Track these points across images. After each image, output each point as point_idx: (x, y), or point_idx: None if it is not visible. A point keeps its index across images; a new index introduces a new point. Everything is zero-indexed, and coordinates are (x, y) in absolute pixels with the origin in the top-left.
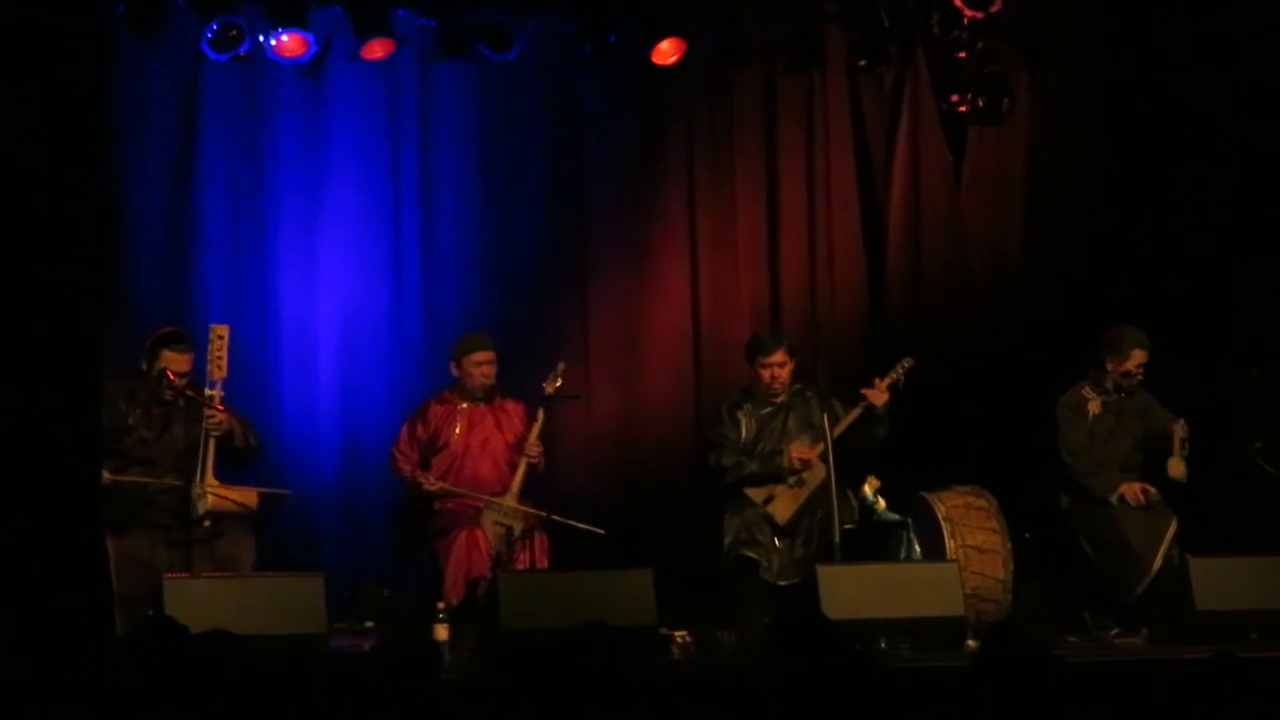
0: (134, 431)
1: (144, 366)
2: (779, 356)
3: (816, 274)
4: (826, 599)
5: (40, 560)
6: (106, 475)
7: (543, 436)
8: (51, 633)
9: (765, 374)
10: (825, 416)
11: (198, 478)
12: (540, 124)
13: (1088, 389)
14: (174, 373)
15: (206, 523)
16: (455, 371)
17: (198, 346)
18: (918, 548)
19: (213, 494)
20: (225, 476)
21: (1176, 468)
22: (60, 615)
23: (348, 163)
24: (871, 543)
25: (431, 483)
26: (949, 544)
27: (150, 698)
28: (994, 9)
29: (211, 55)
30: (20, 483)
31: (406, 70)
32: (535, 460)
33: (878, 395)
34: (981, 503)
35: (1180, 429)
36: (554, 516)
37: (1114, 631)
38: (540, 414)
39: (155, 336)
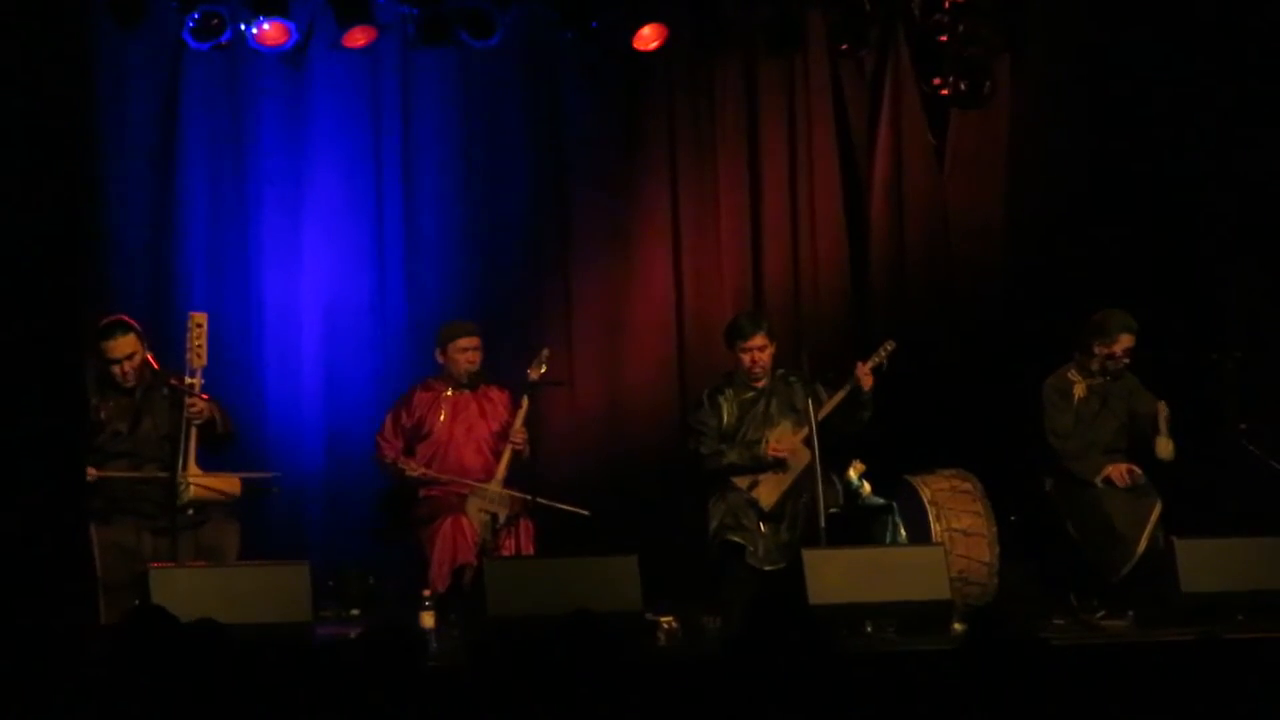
0: (107, 426)
1: (95, 362)
2: (758, 340)
3: (799, 257)
4: (812, 583)
5: (25, 549)
6: (92, 471)
7: (527, 423)
8: (37, 620)
9: (745, 358)
10: (809, 401)
11: (180, 467)
12: (522, 110)
13: (1073, 371)
14: (121, 358)
15: (190, 511)
16: (440, 358)
17: (136, 329)
18: (903, 531)
19: (196, 483)
20: (208, 464)
21: (1165, 447)
22: (45, 603)
23: (330, 150)
24: (857, 527)
25: (413, 468)
26: (934, 527)
27: (139, 687)
28: None
29: (193, 44)
30: (4, 474)
31: (388, 58)
32: (520, 447)
33: (861, 379)
34: (967, 486)
35: (1164, 409)
36: (538, 500)
37: (1100, 614)
38: (524, 400)
39: (93, 331)
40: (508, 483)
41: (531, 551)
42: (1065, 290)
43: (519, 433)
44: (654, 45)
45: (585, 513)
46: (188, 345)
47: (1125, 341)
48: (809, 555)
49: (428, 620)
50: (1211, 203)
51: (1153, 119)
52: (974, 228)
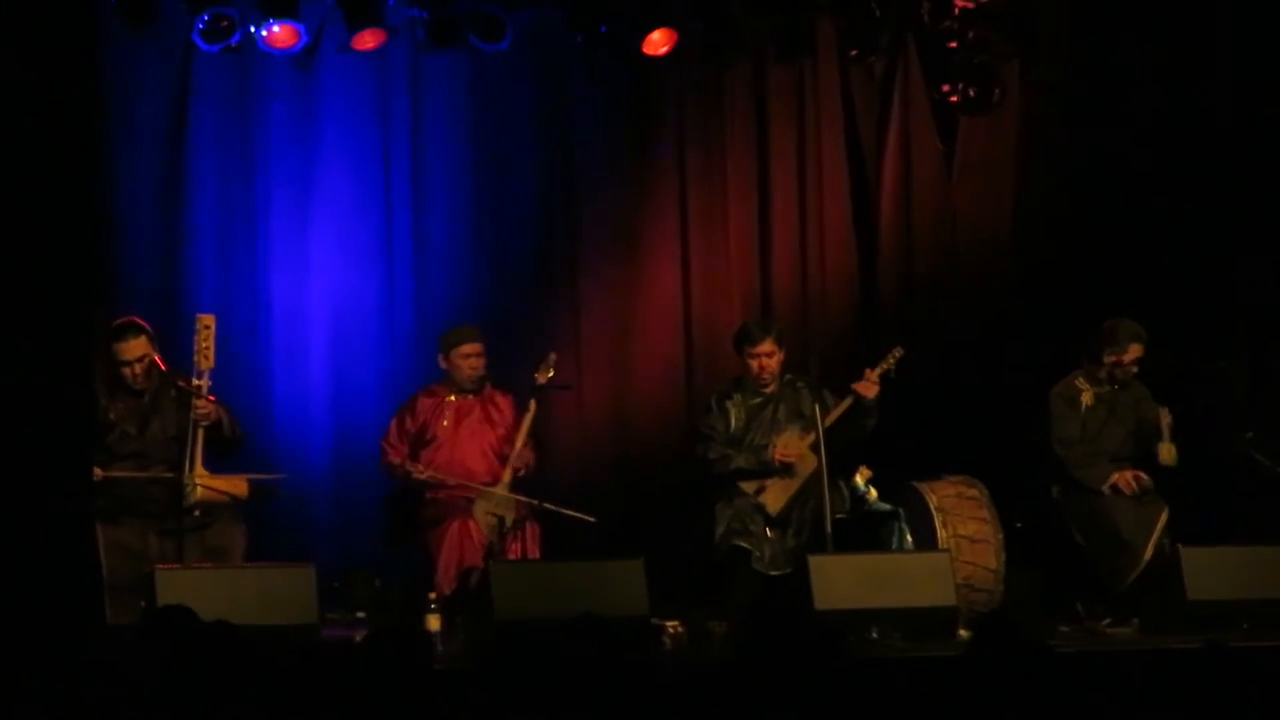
0: (116, 427)
1: (105, 362)
2: (767, 346)
3: (808, 263)
4: (818, 589)
5: (32, 549)
6: (98, 471)
7: (534, 426)
8: (42, 619)
9: (754, 364)
10: (816, 407)
11: (187, 468)
12: (531, 114)
13: (1081, 379)
14: (132, 359)
15: (196, 512)
16: (443, 364)
17: (147, 331)
18: (909, 538)
19: (202, 484)
20: (214, 466)
21: (1167, 453)
22: (51, 603)
23: (339, 153)
24: (863, 533)
25: (420, 470)
26: (941, 534)
27: (155, 685)
28: None
29: (202, 46)
30: (11, 473)
31: (397, 61)
32: (521, 471)
33: (868, 386)
34: (973, 492)
35: (1166, 415)
36: (545, 504)
37: (1105, 621)
38: (532, 405)
39: (105, 332)
40: (514, 487)
41: (538, 555)
42: (1073, 297)
43: (520, 457)
44: (664, 50)
45: (591, 519)
46: (195, 347)
47: (1135, 351)
48: (815, 561)
49: (433, 623)
50: (1219, 209)
51: (1160, 125)
52: (982, 234)
